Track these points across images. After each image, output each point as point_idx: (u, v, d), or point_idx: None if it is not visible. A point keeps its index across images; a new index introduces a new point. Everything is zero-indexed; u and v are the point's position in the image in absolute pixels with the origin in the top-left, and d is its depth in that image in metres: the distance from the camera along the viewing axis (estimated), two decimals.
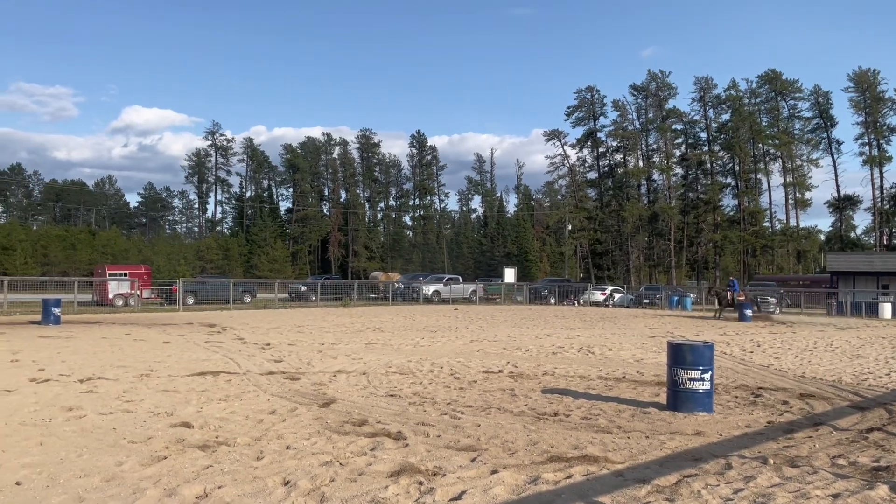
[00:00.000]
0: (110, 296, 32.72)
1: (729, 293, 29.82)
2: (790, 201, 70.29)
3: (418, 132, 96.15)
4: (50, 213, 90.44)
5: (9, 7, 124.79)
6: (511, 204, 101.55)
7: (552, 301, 44.16)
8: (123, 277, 34.63)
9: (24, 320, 22.43)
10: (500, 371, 11.31)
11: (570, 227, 71.81)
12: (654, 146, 77.03)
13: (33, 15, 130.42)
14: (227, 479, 5.00)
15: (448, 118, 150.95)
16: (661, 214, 71.89)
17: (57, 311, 21.02)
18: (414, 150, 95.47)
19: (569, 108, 78.99)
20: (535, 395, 8.99)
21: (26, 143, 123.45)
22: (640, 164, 76.68)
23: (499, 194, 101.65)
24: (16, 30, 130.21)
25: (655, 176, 76.62)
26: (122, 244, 70.63)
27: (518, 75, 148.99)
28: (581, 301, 43.66)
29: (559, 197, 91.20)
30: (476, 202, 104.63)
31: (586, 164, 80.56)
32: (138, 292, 32.21)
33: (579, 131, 79.19)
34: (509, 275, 51.68)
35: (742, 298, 29.65)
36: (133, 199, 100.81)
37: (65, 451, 5.77)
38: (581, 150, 79.62)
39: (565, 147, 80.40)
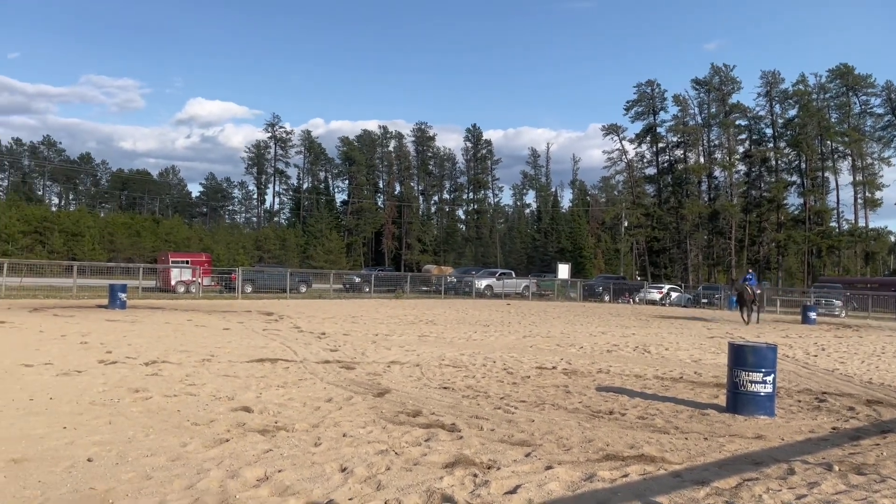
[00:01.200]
0: (173, 282, 33.76)
1: (749, 289, 25.41)
2: (859, 201, 67.64)
3: (473, 126, 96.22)
4: (116, 202, 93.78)
5: (81, 1, 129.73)
6: (566, 199, 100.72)
7: (606, 298, 43.63)
8: (185, 265, 35.66)
9: (92, 304, 23.34)
10: (554, 367, 11.25)
11: (626, 224, 70.73)
12: (717, 142, 75.25)
13: (104, 9, 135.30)
14: (286, 463, 5.12)
15: (504, 112, 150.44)
16: (722, 212, 70.15)
17: (123, 295, 21.82)
18: (469, 144, 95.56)
19: (628, 102, 77.88)
20: (590, 393, 8.91)
21: (95, 133, 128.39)
22: (701, 160, 74.96)
23: (553, 189, 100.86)
24: (87, 23, 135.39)
25: (717, 172, 74.87)
26: (184, 232, 72.75)
27: (576, 69, 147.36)
28: (637, 299, 43.00)
29: (616, 193, 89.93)
30: (530, 197, 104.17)
31: (645, 160, 79.34)
32: (199, 280, 33.18)
33: (638, 126, 77.99)
34: (563, 271, 51.25)
35: (759, 293, 26.24)
36: (195, 189, 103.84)
37: (132, 431, 6.00)
38: (640, 145, 78.41)
39: (623, 142, 79.33)
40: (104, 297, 23.35)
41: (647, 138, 77.01)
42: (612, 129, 79.45)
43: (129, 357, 10.59)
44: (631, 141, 78.57)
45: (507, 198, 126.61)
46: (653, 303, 41.80)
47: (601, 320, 24.47)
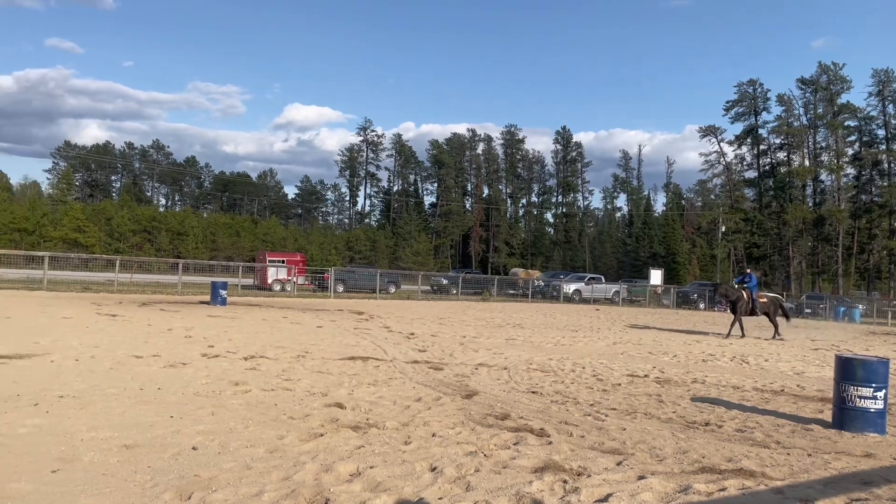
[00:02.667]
0: (269, 281, 35.05)
1: (745, 294, 20.25)
2: None
3: (564, 128, 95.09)
4: (218, 203, 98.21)
5: (191, 11, 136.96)
6: (659, 203, 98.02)
7: (701, 306, 42.12)
8: (281, 264, 36.93)
9: (196, 300, 24.55)
10: (646, 375, 10.97)
11: (723, 229, 68.03)
12: (823, 144, 71.29)
13: (211, 19, 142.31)
14: (377, 460, 5.22)
15: (595, 114, 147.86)
16: (829, 218, 66.41)
17: (224, 292, 22.86)
18: (558, 147, 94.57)
19: (727, 102, 74.90)
20: (684, 403, 8.63)
21: (200, 137, 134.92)
22: (806, 162, 71.20)
23: (646, 192, 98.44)
24: (195, 33, 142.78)
25: (823, 176, 70.96)
26: (280, 233, 75.40)
27: (671, 69, 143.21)
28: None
29: (713, 196, 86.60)
30: (621, 200, 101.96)
31: (745, 163, 76.10)
32: (294, 278, 34.31)
33: (738, 127, 74.94)
34: (655, 276, 49.90)
35: (763, 301, 20.59)
36: (291, 191, 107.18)
37: (233, 422, 6.27)
38: (739, 147, 75.28)
39: (722, 144, 76.44)
40: (206, 294, 24.52)
41: (748, 140, 73.86)
42: (710, 131, 76.68)
43: (230, 351, 11.08)
44: (730, 143, 75.57)
45: (597, 201, 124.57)
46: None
47: (696, 328, 23.65)
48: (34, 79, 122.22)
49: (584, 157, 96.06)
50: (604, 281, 46.42)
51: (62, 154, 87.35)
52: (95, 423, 5.99)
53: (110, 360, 9.47)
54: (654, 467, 5.45)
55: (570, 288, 41.70)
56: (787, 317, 22.57)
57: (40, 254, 30.64)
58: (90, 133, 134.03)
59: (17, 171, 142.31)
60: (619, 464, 5.48)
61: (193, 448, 5.36)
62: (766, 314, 20.70)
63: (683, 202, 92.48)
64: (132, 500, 4.20)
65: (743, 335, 19.73)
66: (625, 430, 6.81)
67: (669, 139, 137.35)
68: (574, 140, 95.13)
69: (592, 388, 9.37)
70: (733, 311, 20.51)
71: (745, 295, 20.23)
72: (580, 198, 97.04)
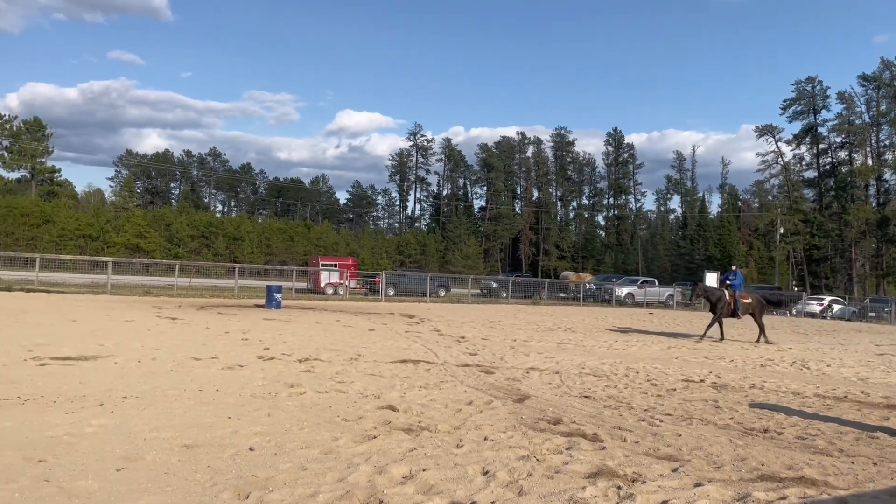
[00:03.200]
0: (322, 284, 35.60)
1: (727, 293, 18.57)
2: None
3: (615, 130, 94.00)
4: (272, 208, 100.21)
5: (246, 22, 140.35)
6: (714, 204, 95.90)
7: None
8: (334, 268, 37.47)
9: (251, 303, 25.09)
10: (702, 381, 10.73)
11: (782, 231, 66.06)
12: (887, 142, 68.59)
13: (265, 30, 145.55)
14: (430, 462, 5.25)
15: (647, 115, 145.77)
16: (893, 218, 63.77)
17: (278, 296, 23.31)
18: (610, 148, 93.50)
19: (785, 101, 72.81)
20: (742, 409, 8.41)
21: (255, 144, 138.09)
22: (869, 161, 68.60)
23: (700, 194, 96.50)
24: (250, 43, 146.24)
25: (887, 175, 68.19)
26: (332, 237, 76.46)
27: (726, 68, 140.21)
28: (794, 311, 40.09)
29: (770, 197, 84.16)
30: (675, 202, 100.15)
31: (804, 162, 73.82)
32: (346, 282, 34.76)
33: (796, 126, 72.75)
34: (711, 279, 48.56)
35: (747, 302, 18.75)
36: (342, 196, 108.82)
37: (289, 424, 6.39)
38: (798, 146, 73.07)
39: (779, 143, 74.32)
40: (261, 297, 25.05)
41: (807, 139, 71.63)
42: (767, 130, 74.62)
43: (285, 354, 11.29)
44: (788, 142, 73.41)
45: (649, 203, 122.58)
46: (812, 315, 38.80)
47: (754, 333, 23.02)
48: (98, 90, 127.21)
49: (637, 158, 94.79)
50: (657, 284, 45.63)
51: (124, 162, 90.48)
52: (157, 423, 6.18)
53: (171, 362, 9.76)
54: (711, 474, 5.33)
55: (622, 291, 41.13)
56: (775, 304, 21.36)
57: (104, 259, 31.77)
58: (150, 142, 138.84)
59: (83, 180, 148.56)
60: (674, 470, 5.38)
61: (251, 449, 5.48)
62: (752, 315, 19.01)
63: (739, 203, 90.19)
64: (193, 498, 4.33)
65: (722, 338, 18.37)
66: (680, 436, 6.69)
67: (724, 139, 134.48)
68: (626, 141, 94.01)
69: (646, 393, 9.22)
70: (713, 312, 18.82)
71: (726, 295, 18.52)
72: (632, 200, 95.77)
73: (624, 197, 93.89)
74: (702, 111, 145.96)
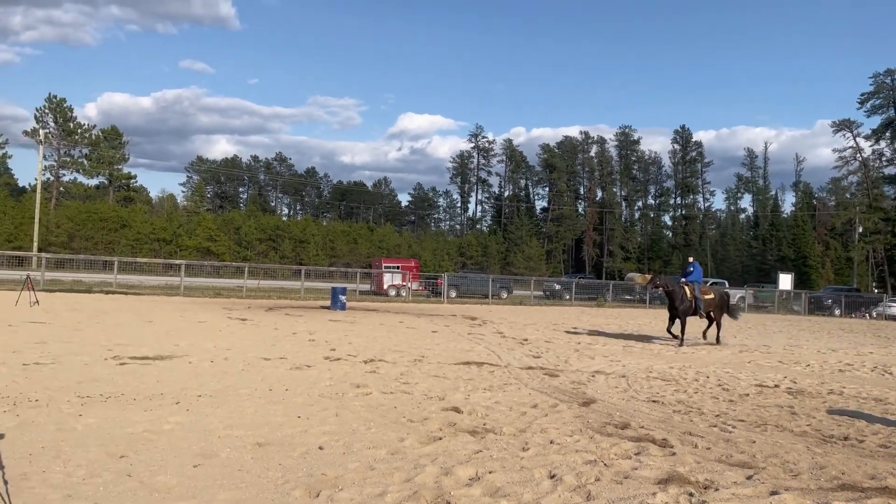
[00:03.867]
0: (385, 286, 36.00)
1: (687, 289, 16.37)
2: None
3: (682, 127, 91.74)
4: (336, 211, 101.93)
5: (311, 30, 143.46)
6: (787, 203, 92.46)
7: (836, 312, 39.33)
8: (396, 270, 37.84)
9: (317, 305, 25.58)
10: (776, 386, 10.36)
11: (861, 230, 63.14)
12: None
13: (329, 36, 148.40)
14: (496, 465, 5.24)
15: (716, 112, 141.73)
16: None
17: (343, 298, 23.70)
18: (676, 147, 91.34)
19: (863, 95, 69.56)
20: (819, 416, 8.08)
21: (319, 149, 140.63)
22: None
23: (773, 192, 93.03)
24: (315, 50, 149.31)
25: None
26: (394, 240, 77.26)
27: (800, 61, 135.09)
28: (874, 314, 38.30)
29: (848, 195, 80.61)
30: (746, 201, 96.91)
31: (884, 158, 70.36)
32: (409, 284, 35.04)
33: (876, 121, 69.40)
34: (784, 281, 47.08)
35: (709, 297, 16.82)
36: (404, 199, 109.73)
37: (356, 424, 6.49)
38: (877, 141, 69.72)
39: (858, 139, 71.08)
40: (327, 299, 25.51)
41: (887, 134, 68.28)
42: (844, 125, 71.52)
43: (350, 355, 11.47)
44: (867, 137, 70.14)
45: (718, 202, 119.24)
46: (893, 319, 36.96)
47: (831, 336, 22.11)
48: (170, 99, 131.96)
49: (705, 156, 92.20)
50: (727, 286, 44.29)
51: (195, 168, 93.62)
52: (230, 421, 6.37)
53: (242, 362, 10.05)
54: (788, 483, 5.14)
55: None
56: (733, 315, 18.63)
57: (177, 262, 32.95)
58: (220, 148, 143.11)
59: (156, 185, 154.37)
60: (749, 478, 5.21)
61: (320, 448, 5.59)
62: (709, 314, 17.09)
63: (815, 202, 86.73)
64: (266, 495, 4.44)
65: (680, 341, 15.98)
66: (754, 442, 6.48)
67: (798, 135, 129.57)
68: (694, 139, 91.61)
69: (718, 399, 8.97)
70: (671, 310, 16.52)
71: (686, 291, 16.28)
72: (700, 199, 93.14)
73: (692, 196, 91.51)
74: (774, 106, 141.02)
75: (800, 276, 60.44)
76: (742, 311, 19.07)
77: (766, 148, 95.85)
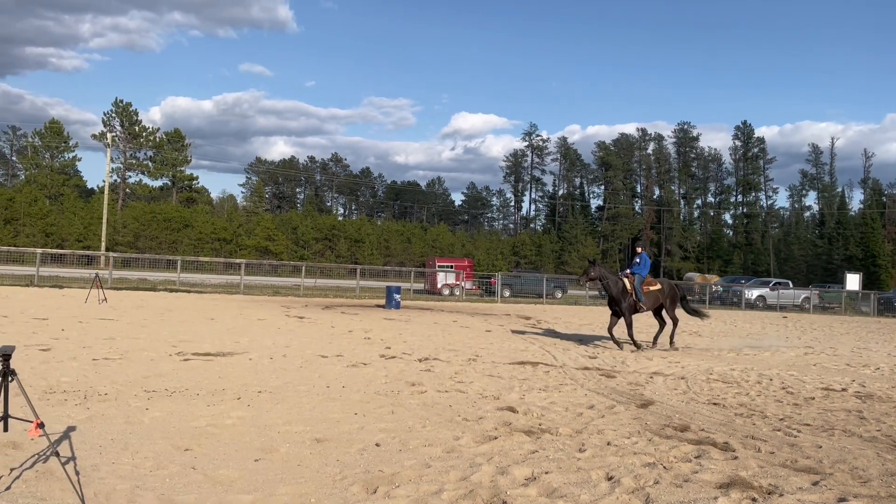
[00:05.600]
0: (439, 285, 36.13)
1: (627, 281, 14.23)
2: None
3: (744, 123, 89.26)
4: (390, 211, 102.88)
5: (366, 32, 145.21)
6: (855, 200, 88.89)
7: None
8: (450, 269, 37.93)
9: (371, 303, 25.85)
10: (844, 389, 9.99)
11: None
12: None
13: (383, 38, 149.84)
14: (552, 465, 5.20)
15: (779, 106, 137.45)
16: None
17: (397, 297, 23.89)
18: (738, 143, 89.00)
19: None
20: (890, 421, 7.75)
21: (374, 149, 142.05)
22: None
23: (840, 189, 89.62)
24: (370, 51, 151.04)
25: None
26: (448, 239, 77.48)
27: (869, 53, 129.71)
28: None
29: None
30: (811, 198, 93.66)
31: None
32: (462, 283, 35.08)
33: None
34: (852, 281, 45.34)
35: (655, 289, 14.51)
36: (457, 198, 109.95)
37: (411, 421, 6.54)
38: None
39: None
40: (381, 298, 25.76)
41: None
42: None
43: (405, 353, 11.56)
44: None
45: (782, 200, 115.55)
46: None
47: (721, 335, 21.18)
48: (230, 102, 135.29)
49: (768, 152, 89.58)
50: (791, 286, 42.94)
51: (254, 169, 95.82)
52: (289, 417, 6.50)
53: (300, 359, 10.24)
54: (857, 489, 4.96)
55: (752, 294, 39.01)
56: (698, 314, 16.06)
57: (238, 261, 33.77)
58: (278, 149, 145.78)
59: (217, 186, 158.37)
60: (815, 484, 5.04)
61: (377, 445, 5.65)
62: (658, 310, 14.92)
63: (885, 199, 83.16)
64: (324, 490, 4.51)
65: (619, 345, 14.06)
66: (821, 447, 6.26)
67: (866, 130, 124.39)
68: (756, 135, 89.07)
69: (782, 402, 8.70)
70: (612, 308, 14.48)
71: (627, 283, 14.18)
72: (763, 197, 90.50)
73: (754, 194, 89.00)
74: (841, 101, 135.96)
75: (868, 276, 58.11)
76: (706, 314, 16.54)
77: (832, 143, 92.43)
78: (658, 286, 14.69)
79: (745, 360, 13.10)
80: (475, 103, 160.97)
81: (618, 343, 14.16)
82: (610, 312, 14.65)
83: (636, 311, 14.35)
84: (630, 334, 14.12)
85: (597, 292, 41.08)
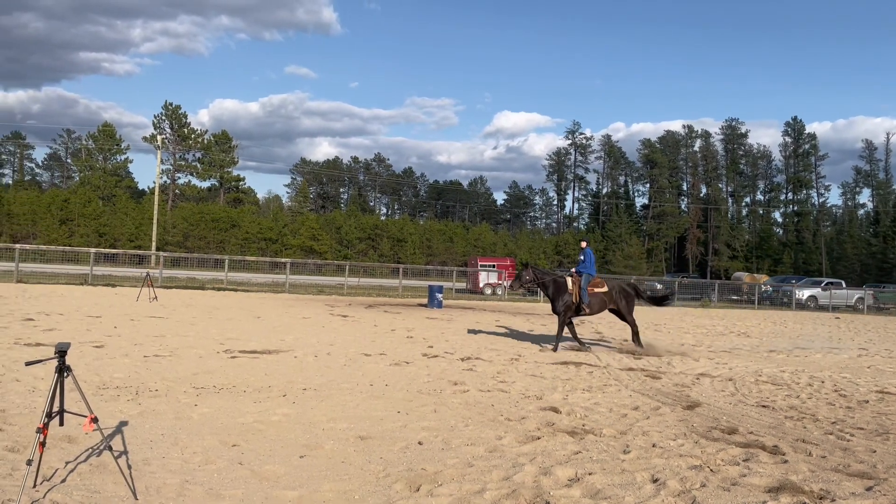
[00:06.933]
0: (481, 285, 36.08)
1: (569, 281, 13.18)
2: None
3: (794, 119, 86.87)
4: (432, 210, 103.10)
5: (409, 33, 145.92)
6: None
7: None
8: (492, 268, 37.84)
9: (414, 303, 25.96)
10: None
11: None
12: None
13: (426, 38, 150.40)
14: (596, 466, 5.16)
15: (831, 102, 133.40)
16: None
17: (439, 296, 23.94)
18: (788, 139, 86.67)
19: None
20: None
21: (416, 149, 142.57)
22: None
23: (895, 186, 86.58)
24: (412, 52, 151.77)
25: None
26: (490, 238, 77.31)
27: None
28: None
29: None
30: (865, 196, 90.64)
31: None
32: (504, 282, 34.96)
33: None
34: None
35: (601, 291, 13.40)
36: (500, 197, 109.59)
37: (454, 420, 6.55)
38: None
39: None
40: (424, 297, 25.86)
41: None
42: None
43: (448, 352, 11.58)
44: None
45: (834, 197, 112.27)
46: None
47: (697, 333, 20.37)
48: (276, 104, 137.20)
49: (819, 149, 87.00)
50: (844, 286, 41.67)
51: (299, 170, 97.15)
52: (333, 414, 6.58)
53: (343, 358, 10.35)
54: None
55: (803, 294, 37.99)
56: (656, 301, 15.48)
57: (283, 260, 34.29)
58: (322, 150, 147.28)
59: (263, 187, 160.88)
60: (868, 489, 4.89)
61: (419, 443, 5.68)
62: (615, 312, 13.88)
63: None
64: (368, 487, 4.56)
65: (556, 348, 12.81)
66: (874, 452, 6.07)
67: None
68: (807, 131, 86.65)
69: (834, 405, 8.46)
70: (554, 310, 13.49)
71: (568, 282, 13.19)
72: (814, 194, 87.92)
73: (805, 191, 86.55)
74: None
75: None
76: (671, 299, 14.31)
77: (887, 139, 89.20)
78: (605, 288, 13.59)
79: (796, 362, 12.77)
80: (518, 102, 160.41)
81: (581, 342, 13.56)
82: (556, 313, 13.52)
83: (579, 312, 13.40)
84: (558, 334, 13.17)
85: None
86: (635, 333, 13.67)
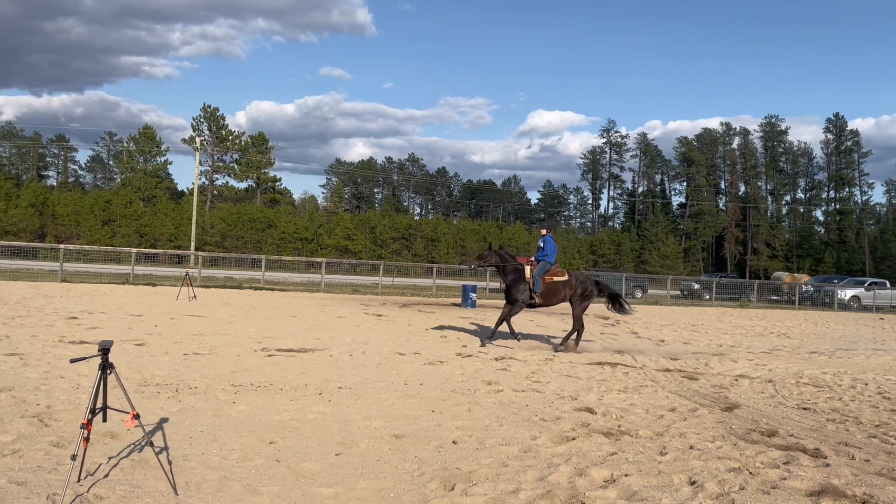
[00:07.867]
0: None
1: (527, 269, 12.55)
2: None
3: (836, 115, 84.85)
4: (466, 210, 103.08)
5: (442, 33, 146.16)
6: None
7: None
8: None
9: (447, 302, 26.00)
10: None
11: None
12: None
13: (460, 38, 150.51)
14: (632, 468, 5.11)
15: (874, 97, 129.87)
16: None
17: (473, 295, 23.96)
18: (829, 136, 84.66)
19: None
20: None
21: (450, 149, 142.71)
22: None
23: None
24: (446, 52, 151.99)
25: None
26: (524, 237, 76.98)
27: None
28: None
29: None
30: None
31: None
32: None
33: None
34: None
35: (559, 279, 12.64)
36: (534, 197, 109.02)
37: (488, 420, 6.55)
38: None
39: None
40: (457, 297, 25.89)
41: None
42: None
43: (481, 352, 11.58)
44: None
45: (878, 195, 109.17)
46: None
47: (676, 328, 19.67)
48: (311, 105, 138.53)
49: (862, 146, 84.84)
50: (888, 286, 40.56)
51: (334, 170, 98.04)
52: (369, 413, 6.63)
53: (378, 356, 10.42)
54: None
55: (846, 294, 37.07)
56: (617, 305, 13.90)
57: (318, 260, 34.63)
58: (356, 150, 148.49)
59: (299, 187, 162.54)
60: None
61: (454, 442, 5.69)
62: (569, 302, 12.97)
63: None
64: (403, 486, 4.59)
65: (485, 343, 12.34)
66: None
67: None
68: (849, 128, 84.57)
69: (878, 408, 8.25)
70: (508, 299, 12.76)
71: (526, 272, 12.48)
72: (857, 192, 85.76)
73: (847, 189, 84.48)
74: None
75: None
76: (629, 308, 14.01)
77: None
78: (565, 277, 12.71)
79: (838, 364, 12.48)
80: (552, 101, 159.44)
81: (514, 333, 13.00)
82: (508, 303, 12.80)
83: (531, 304, 12.66)
84: (497, 322, 12.58)
85: (678, 292, 39.91)
86: (575, 332, 12.81)
